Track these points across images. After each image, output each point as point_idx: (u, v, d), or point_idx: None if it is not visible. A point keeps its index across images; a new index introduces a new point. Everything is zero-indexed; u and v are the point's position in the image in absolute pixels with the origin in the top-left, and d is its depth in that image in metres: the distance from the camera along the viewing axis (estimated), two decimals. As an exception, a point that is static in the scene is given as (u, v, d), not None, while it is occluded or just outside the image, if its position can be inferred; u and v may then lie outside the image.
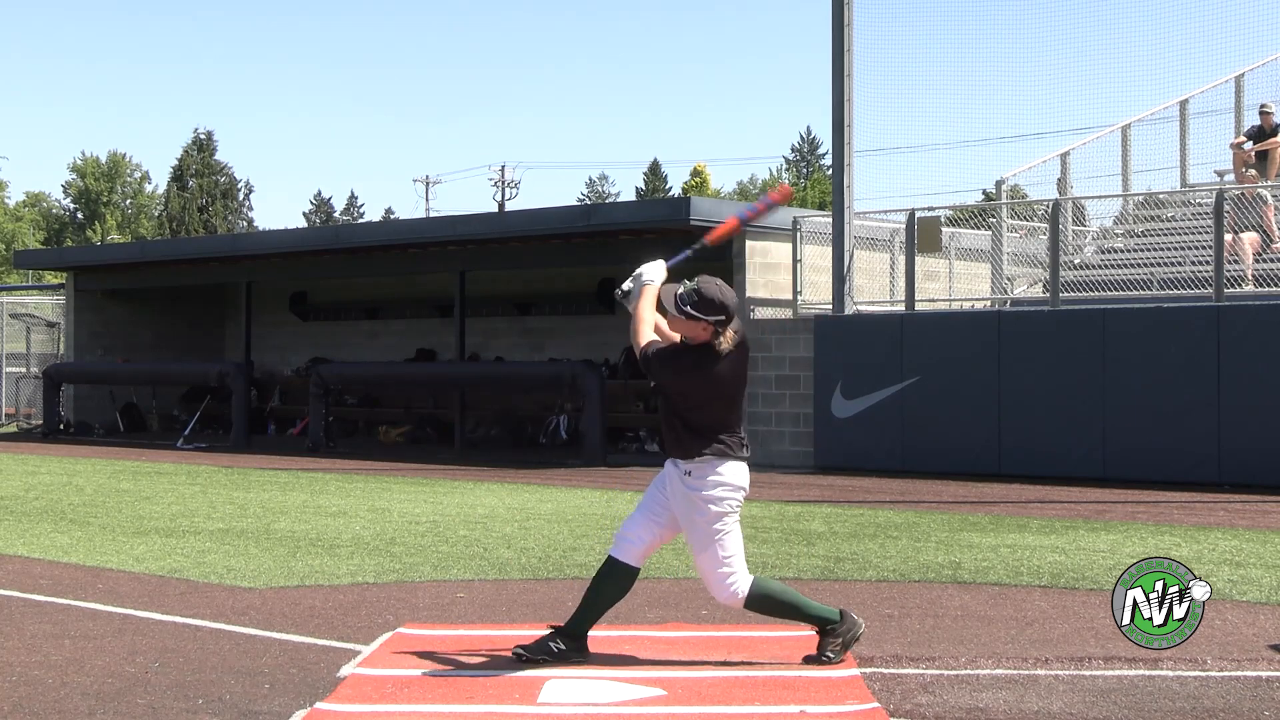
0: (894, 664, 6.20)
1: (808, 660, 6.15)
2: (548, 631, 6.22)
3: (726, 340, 6.06)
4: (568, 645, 6.13)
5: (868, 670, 6.05)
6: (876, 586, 8.46)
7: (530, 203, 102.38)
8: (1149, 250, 18.60)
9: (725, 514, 6.07)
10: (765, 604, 6.19)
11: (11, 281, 60.14)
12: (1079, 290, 17.07)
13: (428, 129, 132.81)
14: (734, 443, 6.12)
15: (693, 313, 5.99)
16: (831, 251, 18.27)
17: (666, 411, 6.18)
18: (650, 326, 6.21)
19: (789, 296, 19.11)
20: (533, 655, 6.10)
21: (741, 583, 6.12)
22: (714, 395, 6.10)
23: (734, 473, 6.10)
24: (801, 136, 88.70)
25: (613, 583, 6.19)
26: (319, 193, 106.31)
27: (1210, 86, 20.27)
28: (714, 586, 6.15)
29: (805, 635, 6.73)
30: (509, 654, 6.26)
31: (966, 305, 19.08)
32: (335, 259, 24.86)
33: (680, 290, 6.06)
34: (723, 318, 6.02)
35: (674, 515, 6.16)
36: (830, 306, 18.36)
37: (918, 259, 18.06)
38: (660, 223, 20.26)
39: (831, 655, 6.10)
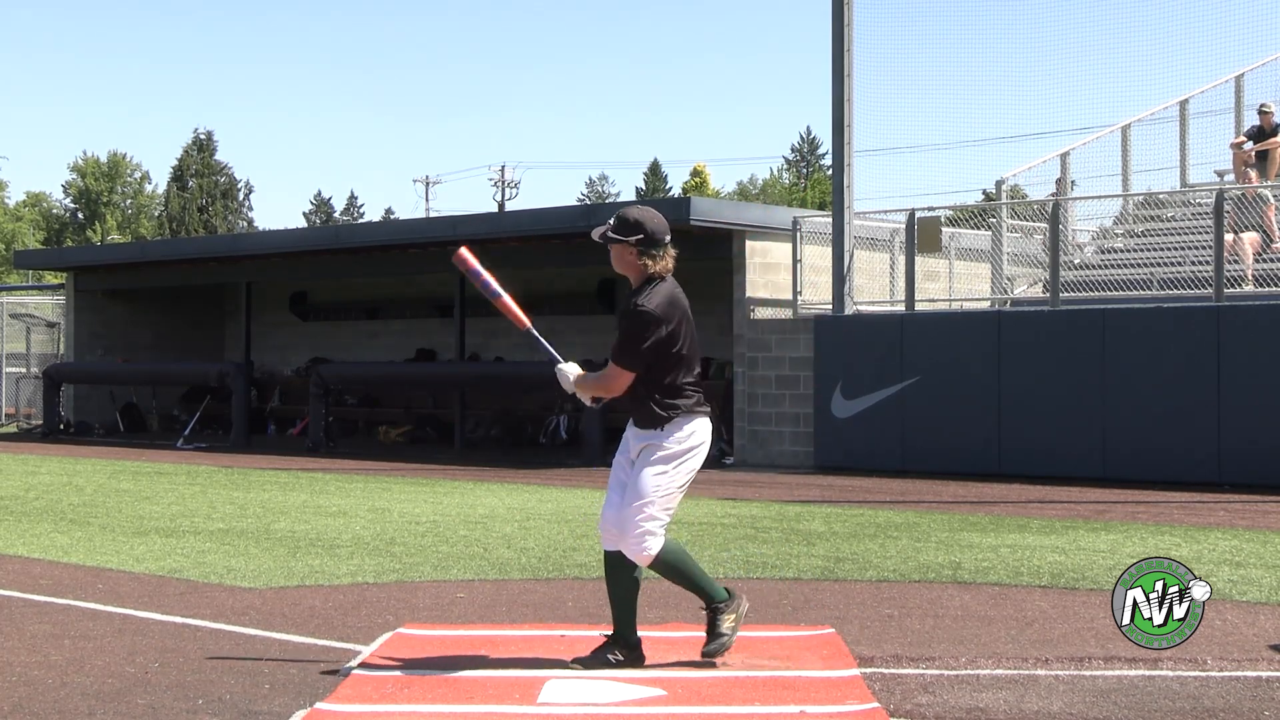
0: (894, 664, 6.20)
1: (705, 655, 6.07)
2: (603, 641, 6.13)
3: (658, 267, 6.06)
4: (625, 655, 6.06)
5: (868, 670, 6.05)
6: (876, 586, 8.46)
7: (530, 203, 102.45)
8: (1149, 250, 18.61)
9: (681, 464, 6.01)
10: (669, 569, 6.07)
11: (11, 281, 60.15)
12: (1079, 290, 17.07)
13: (428, 129, 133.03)
14: (698, 399, 6.11)
15: (611, 235, 6.07)
16: (831, 251, 18.26)
17: (640, 383, 6.09)
18: (608, 375, 6.19)
19: (789, 296, 19.10)
20: (589, 666, 6.02)
21: (656, 543, 6.00)
22: (685, 340, 6.06)
23: (702, 429, 6.08)
24: (801, 136, 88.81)
25: (626, 574, 6.10)
26: (319, 193, 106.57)
27: (1210, 86, 20.29)
28: (630, 535, 5.96)
29: (806, 635, 6.75)
30: (509, 654, 6.26)
31: (967, 305, 19.08)
32: (335, 259, 24.85)
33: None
34: (641, 236, 6.02)
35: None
36: (830, 306, 18.36)
37: (918, 259, 18.06)
38: (660, 223, 20.22)
39: (727, 632, 6.02)
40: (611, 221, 6.16)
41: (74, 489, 15.31)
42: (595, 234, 6.19)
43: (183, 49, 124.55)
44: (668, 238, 6.15)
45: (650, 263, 6.09)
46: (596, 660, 6.03)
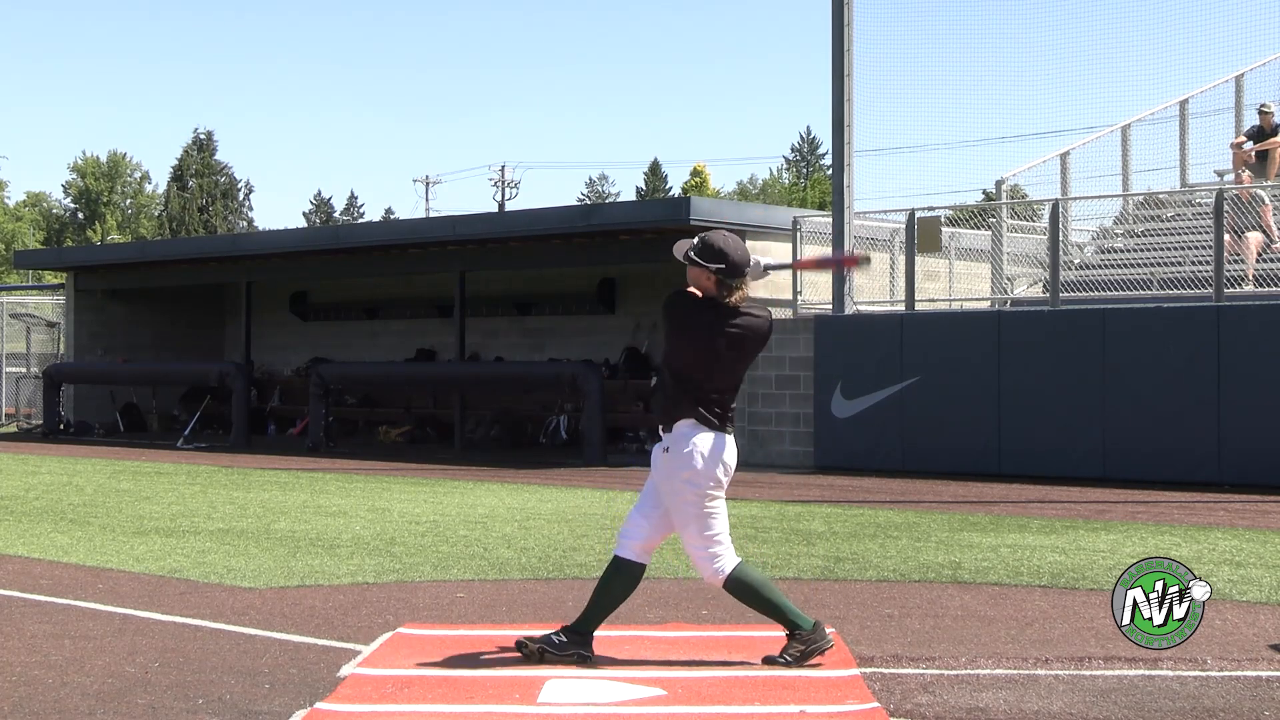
0: (894, 664, 6.20)
1: (766, 660, 6.14)
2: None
3: (735, 297, 6.10)
4: (570, 638, 6.14)
5: (868, 670, 6.05)
6: (876, 586, 8.46)
7: (530, 203, 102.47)
8: (1149, 250, 18.61)
9: (705, 490, 6.07)
10: (743, 591, 6.18)
11: (11, 281, 60.14)
12: (1079, 290, 17.07)
13: (428, 129, 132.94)
14: (717, 416, 6.11)
15: (694, 259, 6.11)
16: (831, 251, 18.26)
17: (663, 370, 6.29)
18: None
19: (789, 296, 19.10)
20: (535, 645, 6.12)
21: (726, 562, 6.14)
22: (705, 350, 6.08)
23: (713, 446, 6.08)
24: (801, 136, 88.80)
25: (620, 580, 6.21)
26: (319, 193, 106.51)
27: (1210, 86, 20.29)
28: (699, 563, 6.19)
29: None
30: (509, 654, 6.26)
31: (967, 305, 19.08)
32: (335, 259, 24.85)
33: (691, 241, 6.19)
34: (722, 266, 6.06)
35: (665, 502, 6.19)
36: (830, 306, 18.36)
37: (918, 259, 18.06)
38: (660, 223, 20.25)
39: (789, 658, 6.07)
40: (696, 242, 6.17)
41: (74, 489, 15.31)
42: (678, 251, 6.20)
43: (183, 49, 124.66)
44: (747, 270, 6.15)
45: (726, 293, 6.11)
46: (543, 639, 6.17)
